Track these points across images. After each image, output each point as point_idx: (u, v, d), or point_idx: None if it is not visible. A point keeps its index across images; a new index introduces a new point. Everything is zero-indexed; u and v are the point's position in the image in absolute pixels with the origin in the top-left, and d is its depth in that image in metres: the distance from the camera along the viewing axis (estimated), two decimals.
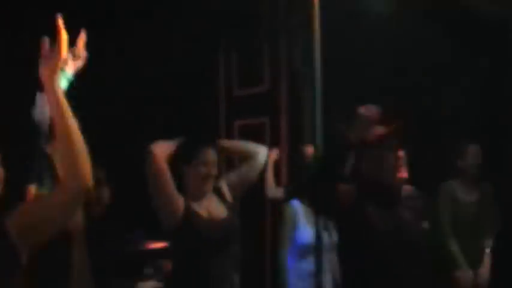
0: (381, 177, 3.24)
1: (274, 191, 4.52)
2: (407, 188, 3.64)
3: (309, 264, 3.77)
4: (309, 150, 4.24)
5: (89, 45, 1.97)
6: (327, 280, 3.90)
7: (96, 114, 2.40)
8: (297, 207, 4.01)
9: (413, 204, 3.49)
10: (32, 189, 2.50)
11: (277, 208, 4.34)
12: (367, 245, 3.19)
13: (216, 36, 5.52)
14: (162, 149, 2.95)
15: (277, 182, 4.76)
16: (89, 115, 2.22)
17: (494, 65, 4.65)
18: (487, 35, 4.53)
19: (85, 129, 1.82)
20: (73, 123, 1.80)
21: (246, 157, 3.23)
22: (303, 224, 3.97)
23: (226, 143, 3.46)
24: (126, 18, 5.34)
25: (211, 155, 3.03)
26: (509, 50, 4.57)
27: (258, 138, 5.42)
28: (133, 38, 5.42)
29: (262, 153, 3.27)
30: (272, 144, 5.38)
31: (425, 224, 3.80)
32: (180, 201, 2.96)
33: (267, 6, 5.25)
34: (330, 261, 3.88)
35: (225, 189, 3.19)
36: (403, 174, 3.54)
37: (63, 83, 1.92)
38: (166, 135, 3.06)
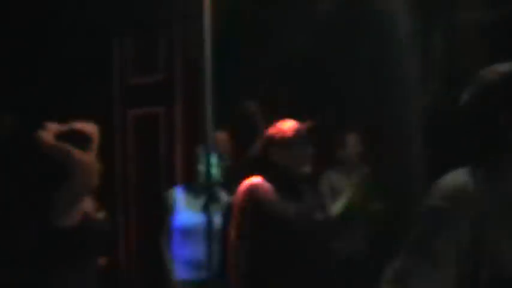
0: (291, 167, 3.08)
1: None
2: None
3: (190, 251, 3.92)
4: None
5: None
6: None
7: None
8: (178, 193, 4.15)
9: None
10: None
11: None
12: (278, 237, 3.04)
13: (110, 23, 5.39)
14: None
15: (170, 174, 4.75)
16: None
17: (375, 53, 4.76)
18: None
19: None
20: None
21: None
22: (183, 208, 4.09)
23: None
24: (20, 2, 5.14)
25: None
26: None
27: (153, 128, 5.38)
28: (25, 20, 5.21)
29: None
30: (167, 133, 5.33)
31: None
32: None
33: None
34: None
35: None
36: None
37: None
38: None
